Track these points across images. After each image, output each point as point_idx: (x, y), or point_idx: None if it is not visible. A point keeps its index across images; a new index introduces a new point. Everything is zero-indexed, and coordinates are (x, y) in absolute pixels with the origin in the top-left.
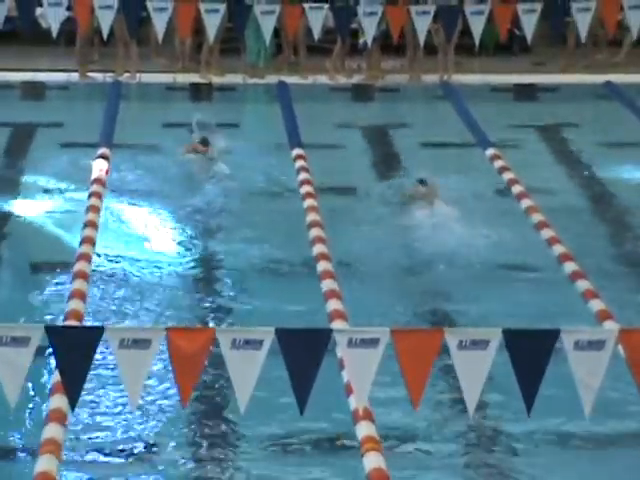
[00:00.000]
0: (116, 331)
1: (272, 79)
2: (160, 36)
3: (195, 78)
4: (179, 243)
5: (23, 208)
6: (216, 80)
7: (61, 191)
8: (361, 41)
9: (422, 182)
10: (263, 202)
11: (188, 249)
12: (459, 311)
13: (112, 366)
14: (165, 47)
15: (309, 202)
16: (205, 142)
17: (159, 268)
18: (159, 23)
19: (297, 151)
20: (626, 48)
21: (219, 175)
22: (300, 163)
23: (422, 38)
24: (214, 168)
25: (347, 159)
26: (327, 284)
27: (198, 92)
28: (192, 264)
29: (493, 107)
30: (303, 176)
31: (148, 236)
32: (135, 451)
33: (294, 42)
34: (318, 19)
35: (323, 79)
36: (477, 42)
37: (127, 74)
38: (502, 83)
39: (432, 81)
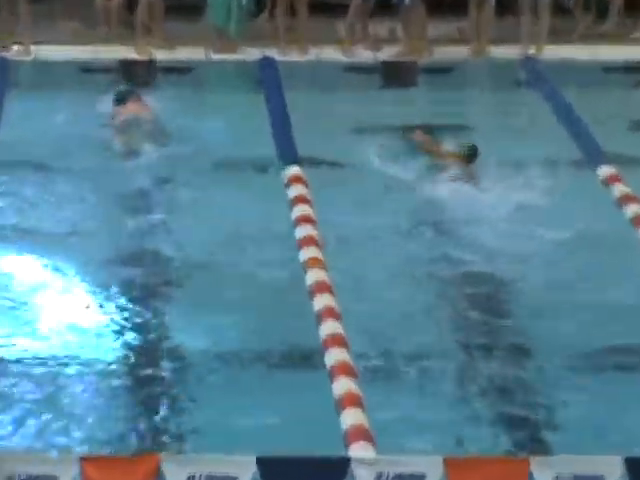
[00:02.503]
0: (6, 462)
1: (251, 54)
2: None
3: (127, 52)
4: (113, 319)
5: None
6: (161, 56)
7: None
8: None
9: (428, 131)
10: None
11: (126, 326)
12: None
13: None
14: (78, 5)
15: (305, 229)
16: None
17: (80, 363)
18: None
19: (292, 171)
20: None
21: (160, 137)
22: (297, 190)
23: None
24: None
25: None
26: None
27: (132, 74)
28: (131, 352)
29: (604, 95)
30: (302, 212)
31: (62, 308)
32: None
33: None
34: None
35: (333, 53)
36: None
37: (17, 47)
38: (615, 60)
39: (506, 56)
